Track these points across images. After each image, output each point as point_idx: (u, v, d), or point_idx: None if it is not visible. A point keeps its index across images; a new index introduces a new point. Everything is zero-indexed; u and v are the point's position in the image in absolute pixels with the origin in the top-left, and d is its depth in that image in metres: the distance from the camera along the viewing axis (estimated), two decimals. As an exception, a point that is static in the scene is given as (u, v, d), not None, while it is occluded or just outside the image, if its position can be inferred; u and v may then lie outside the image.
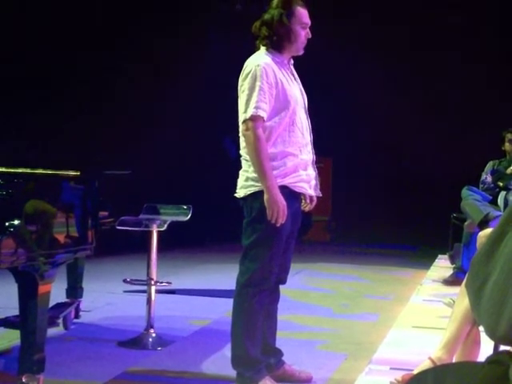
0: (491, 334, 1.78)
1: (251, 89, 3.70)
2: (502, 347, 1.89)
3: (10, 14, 9.39)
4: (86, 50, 10.12)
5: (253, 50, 3.93)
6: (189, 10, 11.27)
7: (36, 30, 9.49)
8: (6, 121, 8.48)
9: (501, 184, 7.19)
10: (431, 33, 11.67)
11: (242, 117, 3.75)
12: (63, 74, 9.86)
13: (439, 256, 9.22)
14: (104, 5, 10.32)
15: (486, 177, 7.43)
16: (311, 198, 4.04)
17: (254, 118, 3.68)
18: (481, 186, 7.43)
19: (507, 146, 7.47)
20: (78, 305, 5.23)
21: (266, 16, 3.86)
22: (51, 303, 3.99)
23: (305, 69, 4.18)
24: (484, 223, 6.68)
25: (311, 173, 3.93)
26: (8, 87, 9.08)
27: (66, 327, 5.05)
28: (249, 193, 3.78)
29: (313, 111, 3.99)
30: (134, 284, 5.43)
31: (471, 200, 7.05)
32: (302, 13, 3.87)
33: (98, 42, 10.23)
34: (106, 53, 10.39)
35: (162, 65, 11.12)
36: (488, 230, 3.63)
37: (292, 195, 3.82)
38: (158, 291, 5.35)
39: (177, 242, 9.43)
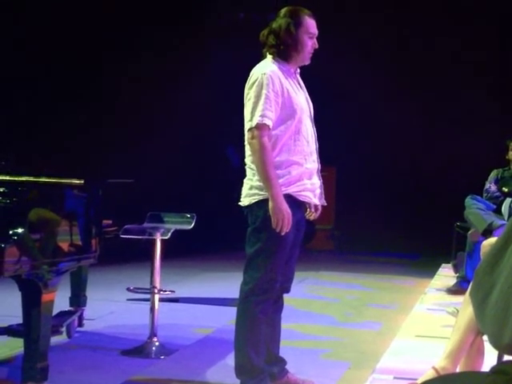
0: (495, 344, 1.78)
1: (257, 97, 3.70)
2: (506, 357, 1.89)
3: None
4: (87, 57, 10.14)
5: (256, 58, 3.94)
6: (191, 19, 11.29)
7: (35, 31, 9.51)
8: (10, 128, 8.50)
9: (506, 190, 7.19)
10: (435, 46, 11.69)
11: (247, 125, 3.75)
12: (66, 80, 9.88)
13: (443, 265, 9.20)
14: (106, 11, 10.33)
15: (490, 185, 7.42)
16: (316, 206, 4.04)
17: (260, 127, 3.68)
18: (484, 194, 7.42)
19: (511, 154, 7.47)
20: (82, 313, 5.22)
21: (274, 25, 3.87)
22: (55, 311, 4.00)
23: (310, 77, 4.18)
24: (488, 232, 6.67)
25: (316, 182, 3.92)
26: (11, 94, 9.11)
27: (69, 335, 5.05)
28: (253, 201, 3.78)
29: (317, 120, 3.99)
30: (138, 292, 5.42)
31: (475, 209, 7.05)
32: (310, 23, 3.87)
33: (99, 48, 10.26)
34: (109, 60, 10.41)
35: (165, 73, 11.13)
36: (492, 239, 3.63)
37: (296, 204, 3.82)
38: (162, 299, 5.34)
39: (180, 251, 9.42)
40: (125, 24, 10.49)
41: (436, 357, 3.44)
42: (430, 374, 3.29)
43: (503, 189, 7.21)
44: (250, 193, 3.81)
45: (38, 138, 9.19)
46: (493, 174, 7.55)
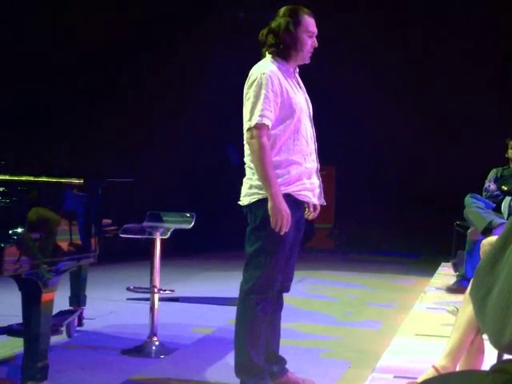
0: (496, 343, 1.78)
1: (256, 97, 3.70)
2: (506, 356, 1.89)
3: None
4: (87, 57, 10.15)
5: (256, 57, 3.93)
6: (192, 19, 11.30)
7: (36, 31, 9.52)
8: (11, 128, 8.50)
9: (505, 188, 7.19)
10: (435, 46, 11.69)
11: (246, 125, 3.74)
12: (66, 80, 9.88)
13: (442, 264, 9.20)
14: (107, 11, 10.33)
15: (490, 184, 7.41)
16: (315, 206, 4.04)
17: (259, 126, 3.68)
18: (484, 193, 7.42)
19: (510, 153, 7.47)
20: (81, 313, 5.23)
21: (273, 24, 3.86)
22: (54, 311, 4.00)
23: (309, 77, 4.18)
24: (487, 231, 6.67)
25: (315, 181, 3.92)
26: (11, 94, 9.11)
27: (69, 335, 5.05)
28: (253, 200, 3.78)
29: (316, 119, 3.99)
30: (138, 292, 5.41)
31: (474, 207, 7.04)
32: (309, 21, 3.87)
33: (99, 48, 10.25)
34: (109, 61, 10.41)
35: (165, 73, 11.13)
36: (491, 238, 3.63)
37: (295, 203, 3.82)
38: (162, 299, 5.34)
39: (180, 250, 9.42)
40: (125, 24, 10.49)
41: (436, 356, 3.44)
42: (429, 373, 3.29)
43: (503, 187, 7.21)
44: (249, 192, 3.81)
45: (38, 138, 9.18)
46: (492, 173, 7.55)
